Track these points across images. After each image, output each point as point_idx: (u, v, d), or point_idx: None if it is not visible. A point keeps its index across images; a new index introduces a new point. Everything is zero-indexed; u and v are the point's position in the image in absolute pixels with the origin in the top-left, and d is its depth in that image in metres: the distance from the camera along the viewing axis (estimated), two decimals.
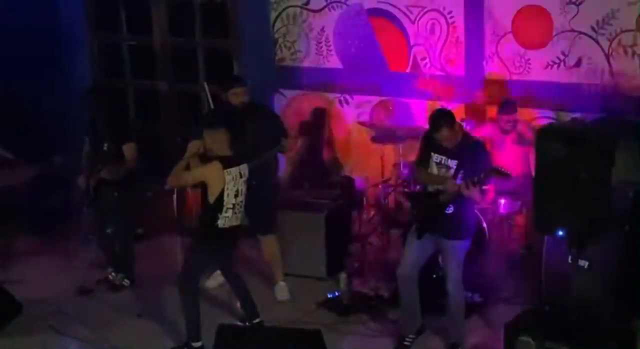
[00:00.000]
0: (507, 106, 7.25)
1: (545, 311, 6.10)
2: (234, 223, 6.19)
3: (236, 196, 6.12)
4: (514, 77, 7.58)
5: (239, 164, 6.15)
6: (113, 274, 7.55)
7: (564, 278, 6.31)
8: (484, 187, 5.89)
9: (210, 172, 6.04)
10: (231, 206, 6.11)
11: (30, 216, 8.64)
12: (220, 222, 6.11)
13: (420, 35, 7.95)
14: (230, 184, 6.07)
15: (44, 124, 8.93)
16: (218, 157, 6.08)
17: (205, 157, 6.17)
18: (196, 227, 6.34)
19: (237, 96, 6.82)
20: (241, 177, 6.15)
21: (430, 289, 6.43)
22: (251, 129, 6.67)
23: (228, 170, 6.06)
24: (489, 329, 6.52)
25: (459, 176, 5.79)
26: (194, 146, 6.20)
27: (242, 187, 6.16)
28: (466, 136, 5.96)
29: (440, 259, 6.33)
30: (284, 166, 8.89)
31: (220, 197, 6.05)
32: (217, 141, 6.10)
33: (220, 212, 6.09)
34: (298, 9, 8.48)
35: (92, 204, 7.33)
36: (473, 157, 5.80)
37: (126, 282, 7.50)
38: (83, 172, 7.35)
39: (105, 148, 7.07)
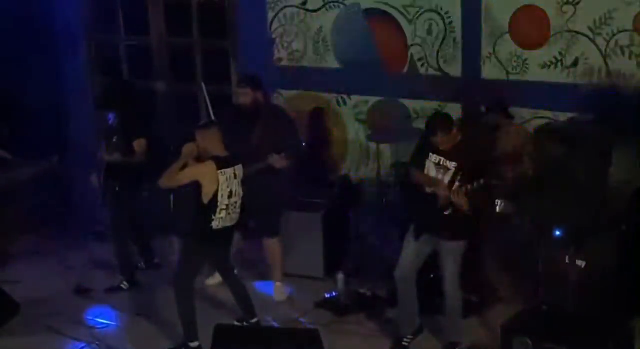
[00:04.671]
0: (494, 106, 7.25)
1: (542, 311, 6.11)
2: (228, 224, 6.18)
3: (230, 196, 6.10)
4: (511, 78, 7.58)
5: (233, 165, 6.14)
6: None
7: (561, 278, 6.33)
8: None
9: (204, 172, 6.02)
10: (225, 207, 6.10)
11: (29, 216, 8.64)
12: (215, 224, 6.10)
13: (418, 36, 7.95)
14: (224, 185, 6.05)
15: (41, 124, 8.92)
16: (212, 157, 6.07)
17: (200, 160, 6.15)
18: (190, 228, 6.33)
19: (239, 96, 6.89)
20: (236, 178, 6.13)
21: (428, 290, 6.44)
22: (257, 130, 6.66)
23: (222, 171, 6.04)
24: (487, 329, 6.53)
25: (459, 177, 5.78)
26: (188, 149, 6.18)
27: (237, 188, 6.15)
28: (465, 136, 5.95)
29: (438, 259, 6.33)
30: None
31: (214, 198, 6.03)
32: (210, 140, 6.08)
33: (214, 213, 6.07)
34: (296, 9, 8.48)
35: (105, 200, 7.42)
36: (472, 159, 5.80)
37: (124, 285, 7.50)
38: (97, 170, 7.39)
39: (114, 140, 7.20)
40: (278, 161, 6.76)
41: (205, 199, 6.02)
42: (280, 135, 6.91)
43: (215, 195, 6.01)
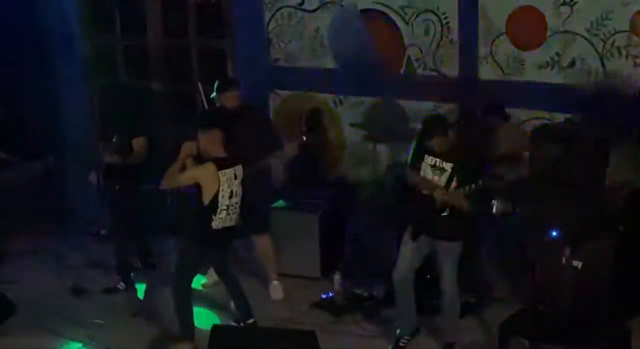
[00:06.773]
0: (490, 109, 7.23)
1: (539, 311, 6.12)
2: (228, 224, 6.18)
3: (230, 197, 6.11)
4: (508, 78, 7.59)
5: (233, 165, 6.14)
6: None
7: (557, 278, 6.35)
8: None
9: (205, 174, 6.03)
10: (225, 207, 6.10)
11: (25, 215, 8.62)
12: (214, 224, 6.10)
13: (415, 36, 7.96)
14: (224, 186, 6.06)
15: (37, 124, 8.91)
16: (212, 158, 6.07)
17: (199, 159, 6.15)
18: (190, 228, 6.33)
19: (229, 100, 6.86)
20: (236, 178, 6.14)
21: (425, 290, 6.44)
22: (242, 132, 6.67)
23: (223, 171, 6.04)
24: (483, 329, 6.53)
25: (455, 178, 5.78)
26: (187, 148, 6.18)
27: (237, 189, 6.15)
28: (461, 138, 5.95)
29: (435, 259, 6.33)
30: (278, 166, 8.88)
31: (214, 199, 6.03)
32: (211, 141, 6.08)
33: (215, 213, 6.07)
34: (292, 9, 8.48)
35: (104, 200, 7.39)
36: (469, 160, 5.80)
37: (121, 285, 7.49)
38: (95, 169, 7.38)
39: (114, 140, 7.18)
40: (285, 153, 6.92)
41: (206, 200, 6.02)
42: (264, 131, 6.94)
43: (216, 196, 6.01)
